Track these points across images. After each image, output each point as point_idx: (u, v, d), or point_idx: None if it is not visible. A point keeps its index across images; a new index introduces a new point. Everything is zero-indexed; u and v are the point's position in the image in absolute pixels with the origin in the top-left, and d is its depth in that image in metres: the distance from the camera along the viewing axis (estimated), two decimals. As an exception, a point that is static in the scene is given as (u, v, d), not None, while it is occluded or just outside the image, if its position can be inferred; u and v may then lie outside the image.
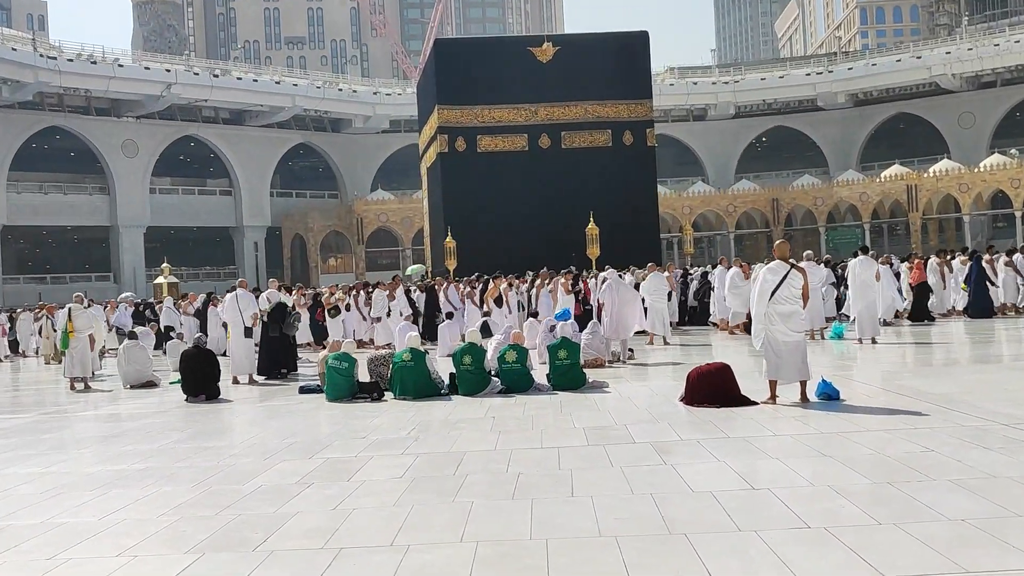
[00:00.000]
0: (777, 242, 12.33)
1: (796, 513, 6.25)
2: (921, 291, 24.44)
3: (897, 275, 25.05)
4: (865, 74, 78.26)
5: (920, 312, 24.29)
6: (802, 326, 11.59)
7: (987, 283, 24.69)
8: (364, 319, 25.29)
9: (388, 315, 23.93)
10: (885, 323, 22.55)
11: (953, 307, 26.14)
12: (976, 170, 65.49)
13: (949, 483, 6.83)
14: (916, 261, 25.80)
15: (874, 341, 18.86)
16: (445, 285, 26.50)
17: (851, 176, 71.76)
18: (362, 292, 26.57)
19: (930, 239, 63.43)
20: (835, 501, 6.51)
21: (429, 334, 22.98)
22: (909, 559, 5.17)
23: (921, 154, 73.53)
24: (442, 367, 15.15)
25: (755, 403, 11.22)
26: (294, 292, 26.58)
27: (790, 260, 11.53)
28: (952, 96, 75.45)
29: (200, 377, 15.49)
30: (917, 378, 13.53)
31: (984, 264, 24.74)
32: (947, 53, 75.17)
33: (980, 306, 24.30)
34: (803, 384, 11.29)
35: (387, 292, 24.72)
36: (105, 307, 29.94)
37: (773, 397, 11.29)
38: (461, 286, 26.78)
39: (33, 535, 6.79)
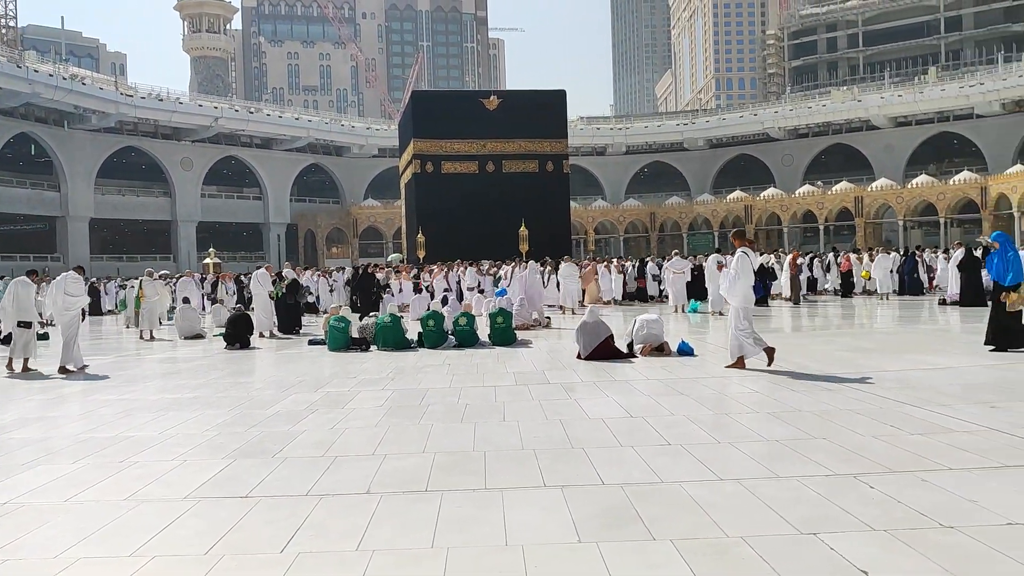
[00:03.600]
0: None
1: (661, 434, 6.33)
2: (846, 276, 25.87)
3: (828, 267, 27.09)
4: (717, 125, 78.99)
5: (848, 289, 25.75)
6: (663, 320, 11.89)
7: (916, 272, 25.71)
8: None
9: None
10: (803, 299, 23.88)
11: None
12: (793, 196, 66.47)
13: (767, 414, 6.95)
14: (844, 255, 27.24)
15: (721, 313, 19.12)
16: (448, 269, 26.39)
17: (706, 198, 72.50)
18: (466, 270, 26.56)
19: (760, 244, 64.18)
20: (688, 426, 6.60)
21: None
22: (738, 467, 5.27)
23: (755, 183, 74.41)
24: (412, 328, 15.09)
25: (635, 356, 11.34)
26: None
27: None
28: (778, 143, 76.48)
29: (237, 332, 15.32)
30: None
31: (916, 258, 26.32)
32: (775, 112, 76.16)
33: (913, 289, 25.18)
34: (666, 344, 11.47)
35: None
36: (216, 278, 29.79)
37: (645, 353, 11.43)
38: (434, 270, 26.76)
39: (110, 444, 6.68)
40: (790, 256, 24.15)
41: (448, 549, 3.95)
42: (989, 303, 11.67)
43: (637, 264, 28.02)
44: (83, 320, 13.18)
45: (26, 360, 12.22)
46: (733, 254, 10.10)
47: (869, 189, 62.76)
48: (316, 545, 4.08)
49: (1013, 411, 6.72)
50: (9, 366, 12.20)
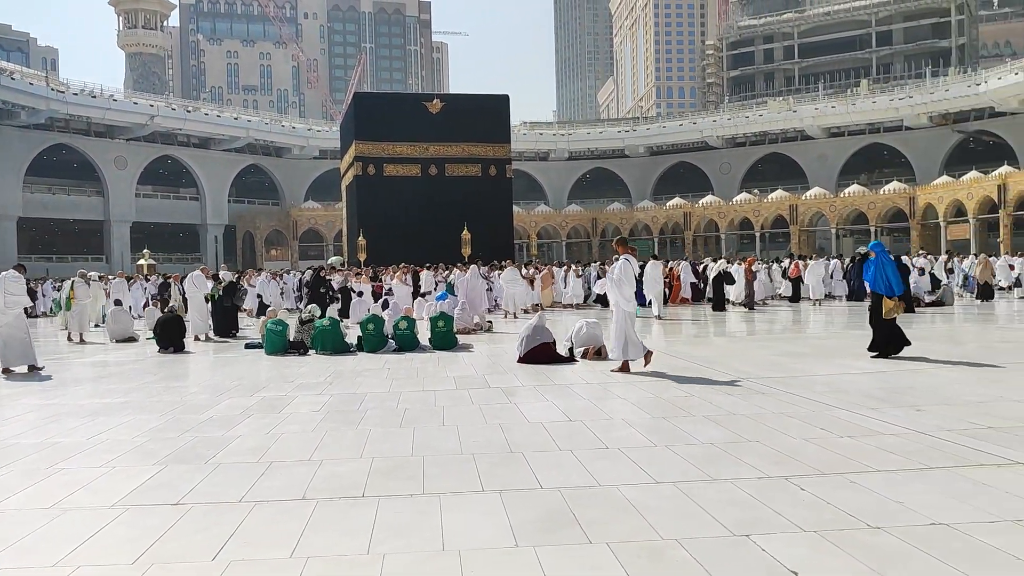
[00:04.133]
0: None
1: (599, 438, 6.38)
2: (796, 282, 26.09)
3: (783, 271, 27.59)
4: (658, 133, 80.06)
5: (796, 295, 25.94)
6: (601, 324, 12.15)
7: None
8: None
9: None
10: (762, 303, 24.32)
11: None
12: (730, 203, 67.79)
13: (703, 418, 7.06)
14: (794, 262, 27.39)
15: (660, 318, 19.37)
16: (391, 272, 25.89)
17: (646, 204, 73.45)
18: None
19: (698, 250, 65.33)
20: (626, 430, 6.67)
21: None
22: (675, 470, 5.34)
23: (694, 190, 75.65)
24: (353, 331, 14.94)
25: (575, 360, 11.41)
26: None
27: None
28: (716, 151, 77.86)
29: (169, 335, 14.95)
30: (688, 345, 13.94)
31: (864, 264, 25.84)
32: (714, 121, 77.53)
33: (860, 295, 24.38)
34: (604, 347, 11.59)
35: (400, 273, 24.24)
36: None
37: (585, 357, 11.52)
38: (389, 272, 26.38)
39: (36, 451, 6.46)
40: (746, 262, 24.42)
41: (384, 555, 3.91)
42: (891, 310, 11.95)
43: (598, 269, 27.97)
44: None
45: None
46: (616, 259, 10.49)
47: (803, 198, 64.31)
48: (249, 552, 4.00)
49: (937, 414, 6.94)
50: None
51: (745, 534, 4.05)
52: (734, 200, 68.14)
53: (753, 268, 24.03)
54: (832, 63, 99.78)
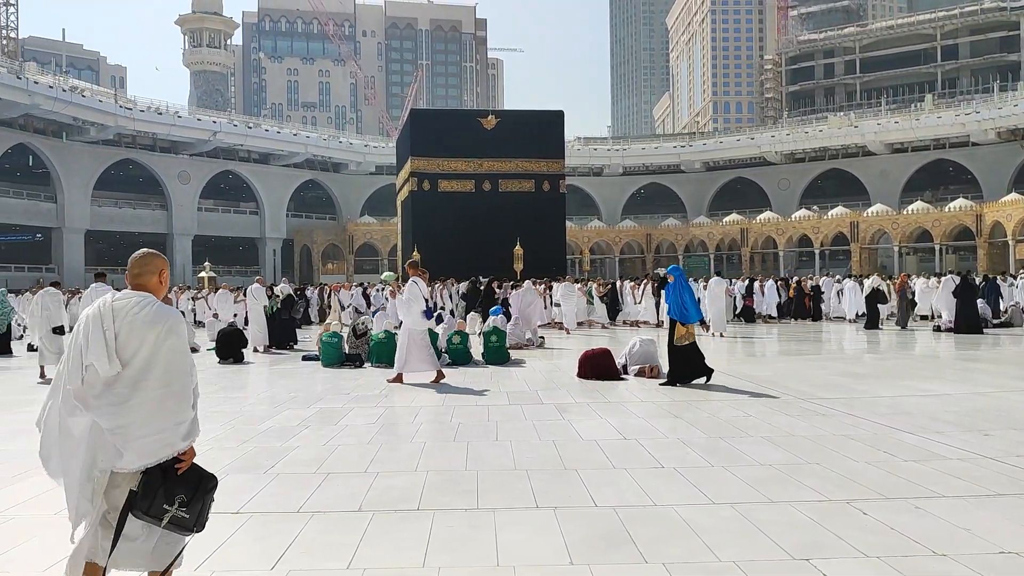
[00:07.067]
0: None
1: (655, 457, 6.32)
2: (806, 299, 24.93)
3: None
4: (714, 148, 79.35)
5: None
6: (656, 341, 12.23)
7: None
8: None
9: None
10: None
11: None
12: (789, 219, 66.79)
13: (761, 438, 6.95)
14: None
15: (721, 335, 19.16)
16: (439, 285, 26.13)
17: (702, 220, 72.75)
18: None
19: (756, 267, 64.45)
20: (682, 449, 6.60)
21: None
22: (732, 491, 5.27)
23: (751, 206, 74.69)
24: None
25: (627, 377, 11.34)
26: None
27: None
28: (774, 167, 76.81)
29: (230, 346, 15.28)
30: (745, 365, 13.73)
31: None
32: (772, 136, 76.56)
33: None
34: (658, 366, 11.50)
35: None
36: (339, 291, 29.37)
37: (641, 376, 11.42)
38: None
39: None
40: (899, 279, 23.46)
41: (439, 569, 3.93)
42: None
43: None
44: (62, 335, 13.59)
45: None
46: (405, 282, 11.37)
47: (865, 215, 63.05)
48: (307, 562, 4.06)
49: (1007, 439, 6.73)
50: (42, 374, 13.15)
51: (805, 558, 3.98)
52: (793, 216, 67.11)
53: (909, 283, 22.83)
54: (895, 78, 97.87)
